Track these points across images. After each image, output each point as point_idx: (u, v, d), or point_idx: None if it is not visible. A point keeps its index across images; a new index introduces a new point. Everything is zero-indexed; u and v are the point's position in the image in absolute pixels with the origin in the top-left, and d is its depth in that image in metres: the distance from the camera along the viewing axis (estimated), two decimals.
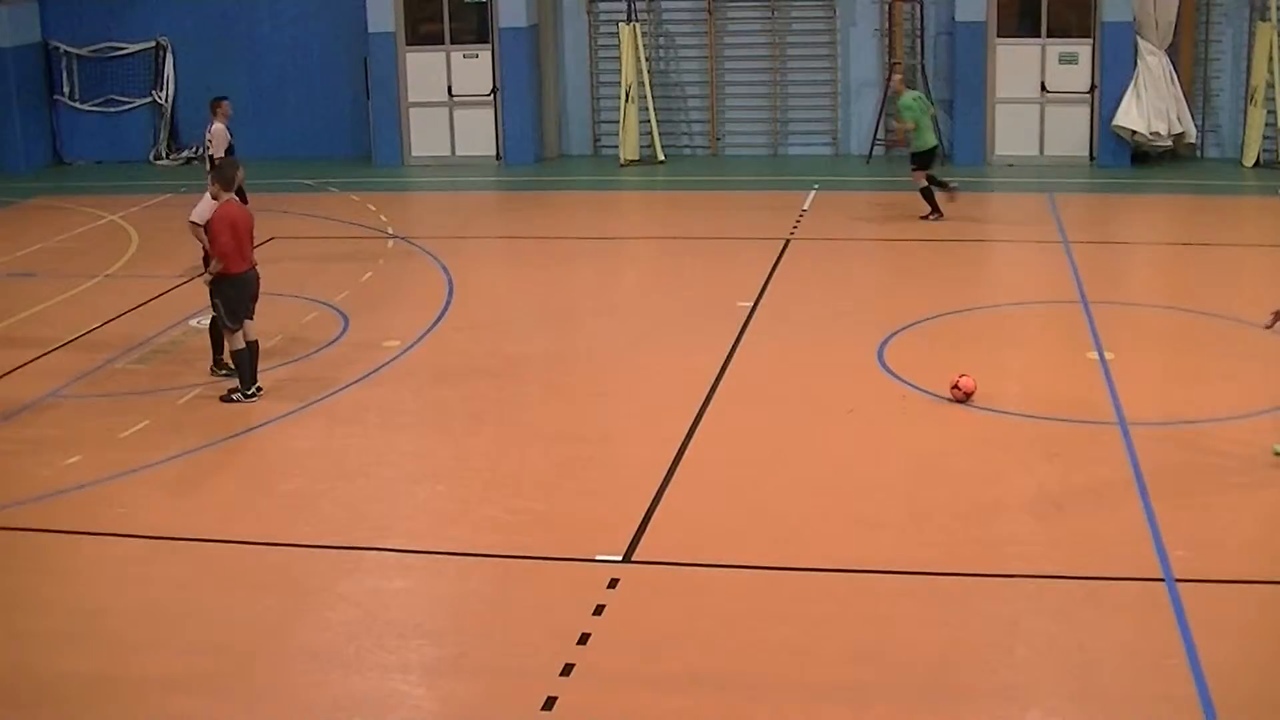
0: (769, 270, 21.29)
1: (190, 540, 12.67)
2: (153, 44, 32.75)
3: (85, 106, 33.10)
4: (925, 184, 24.48)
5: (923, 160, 24.56)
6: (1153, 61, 28.67)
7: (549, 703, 9.76)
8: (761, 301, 19.65)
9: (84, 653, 10.76)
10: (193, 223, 16.62)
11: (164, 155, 32.70)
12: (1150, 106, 28.67)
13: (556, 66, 32.13)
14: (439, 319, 19.35)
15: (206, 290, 16.38)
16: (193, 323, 18.38)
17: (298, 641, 10.88)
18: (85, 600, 11.72)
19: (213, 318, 16.86)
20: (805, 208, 26.05)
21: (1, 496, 13.68)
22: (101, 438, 15.18)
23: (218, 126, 21.61)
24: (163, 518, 13.16)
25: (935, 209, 24.46)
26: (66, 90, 33.11)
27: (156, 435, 15.29)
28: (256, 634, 10.99)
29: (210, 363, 17.09)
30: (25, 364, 17.78)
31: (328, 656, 10.61)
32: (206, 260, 16.85)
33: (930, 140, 24.57)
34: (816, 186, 27.79)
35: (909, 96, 24.95)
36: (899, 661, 10.28)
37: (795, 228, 24.34)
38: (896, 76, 26.13)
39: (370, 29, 31.00)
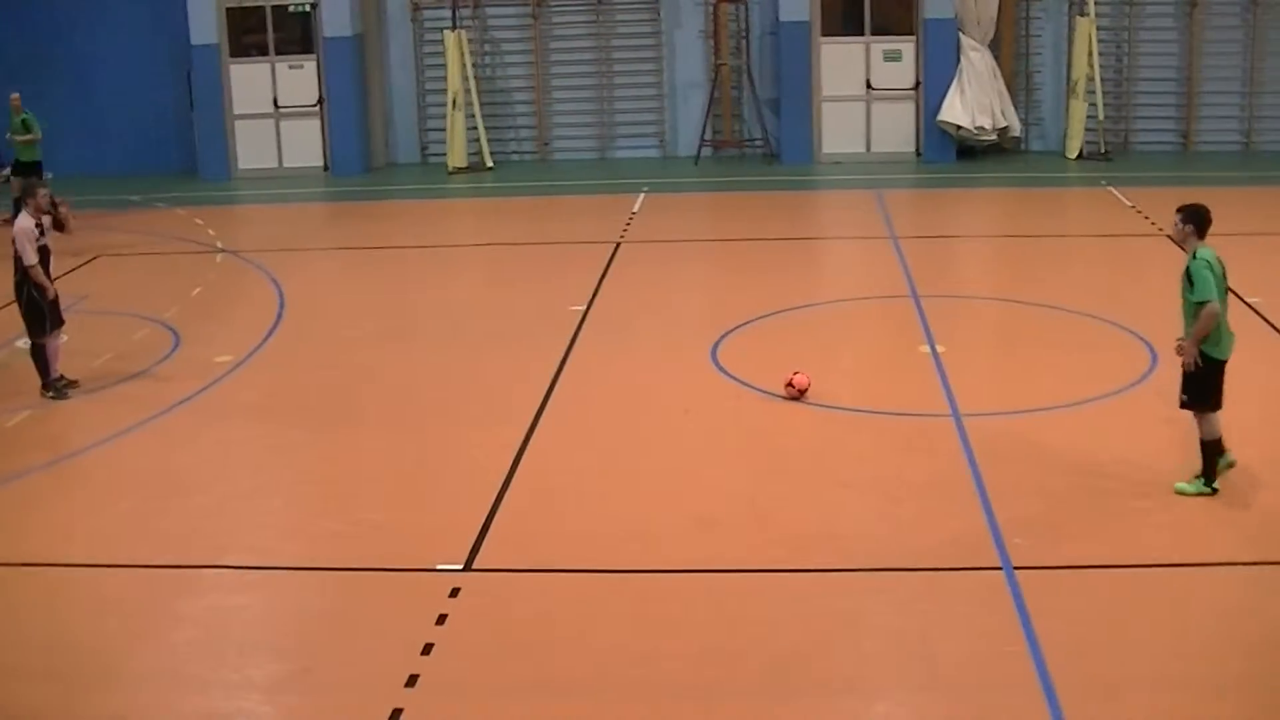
0: (601, 274, 21.32)
1: (24, 565, 12.36)
2: None
3: None
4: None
5: (23, 170, 25.46)
6: (975, 57, 29.17)
7: (394, 714, 9.67)
8: (594, 305, 19.66)
9: None
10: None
11: None
12: (974, 101, 29.18)
13: (382, 75, 31.99)
14: (271, 332, 19.12)
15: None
16: (19, 344, 17.93)
17: (138, 665, 10.68)
18: None
19: (33, 342, 16.57)
20: (635, 210, 26.14)
21: None
22: None
23: None
24: None
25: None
26: None
27: None
28: (95, 660, 10.74)
29: (40, 384, 16.73)
30: None
31: (170, 678, 10.42)
32: (18, 286, 16.54)
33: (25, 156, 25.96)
34: (646, 188, 27.91)
35: (19, 119, 26.02)
36: (747, 659, 10.32)
37: (626, 230, 24.40)
38: (14, 97, 26.45)
39: (193, 41, 30.60)
